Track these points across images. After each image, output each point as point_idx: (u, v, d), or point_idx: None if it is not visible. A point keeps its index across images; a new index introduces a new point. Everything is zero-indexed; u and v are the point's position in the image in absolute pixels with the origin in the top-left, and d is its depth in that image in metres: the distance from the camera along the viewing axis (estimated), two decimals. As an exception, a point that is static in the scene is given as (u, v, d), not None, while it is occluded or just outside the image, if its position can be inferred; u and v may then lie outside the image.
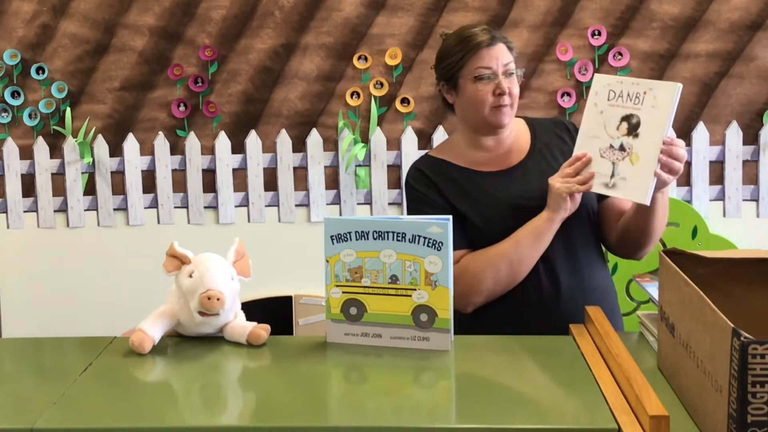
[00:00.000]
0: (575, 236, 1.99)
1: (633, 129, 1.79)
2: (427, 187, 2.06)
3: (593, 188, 1.85)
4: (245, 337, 1.73)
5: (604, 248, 2.11)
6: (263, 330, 1.73)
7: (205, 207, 3.55)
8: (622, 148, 1.80)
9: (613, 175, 1.81)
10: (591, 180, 1.86)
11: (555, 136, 2.10)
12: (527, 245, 1.93)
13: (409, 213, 2.13)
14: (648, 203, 1.79)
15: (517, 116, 2.10)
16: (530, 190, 1.99)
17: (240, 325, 1.75)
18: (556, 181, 1.90)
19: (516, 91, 2.00)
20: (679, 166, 1.81)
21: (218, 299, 1.68)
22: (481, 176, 2.04)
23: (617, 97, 1.81)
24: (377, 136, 3.49)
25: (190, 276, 1.71)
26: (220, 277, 1.71)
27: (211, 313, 1.70)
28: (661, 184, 1.82)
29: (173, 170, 3.55)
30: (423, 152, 3.47)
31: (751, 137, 3.44)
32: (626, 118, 1.80)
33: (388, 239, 1.67)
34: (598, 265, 2.07)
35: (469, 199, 2.02)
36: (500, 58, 1.98)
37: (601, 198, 2.03)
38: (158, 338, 1.71)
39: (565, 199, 1.88)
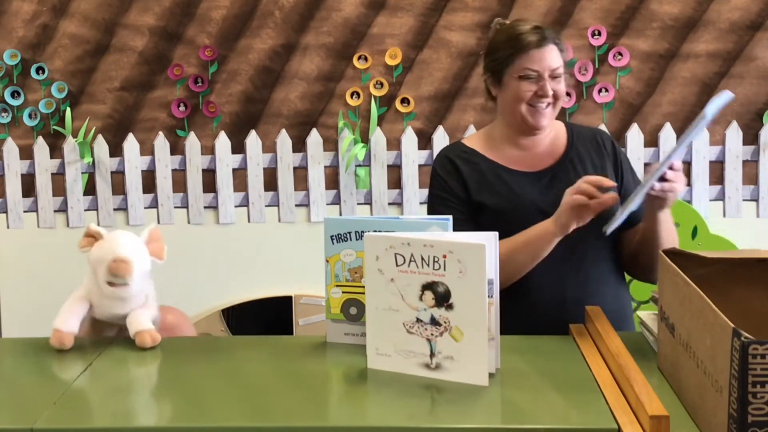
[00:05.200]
0: (587, 252, 1.96)
1: (442, 299, 1.50)
2: (450, 174, 2.05)
3: (410, 371, 1.56)
4: (133, 333, 1.75)
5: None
6: (149, 336, 1.73)
7: (205, 207, 3.55)
8: (435, 322, 1.52)
9: (433, 354, 1.53)
10: (605, 200, 1.80)
11: (591, 148, 2.06)
12: (522, 254, 1.90)
13: (429, 199, 2.12)
14: (486, 384, 1.50)
15: (558, 119, 2.08)
16: (551, 198, 1.93)
17: (135, 320, 1.76)
18: (567, 193, 1.84)
19: (561, 92, 1.99)
20: (678, 189, 1.80)
21: (126, 263, 1.71)
22: (508, 173, 2.03)
23: (408, 261, 1.52)
24: (377, 136, 3.49)
25: (99, 249, 1.75)
26: (130, 246, 1.75)
27: (120, 282, 1.72)
28: (659, 204, 1.82)
29: (173, 170, 3.55)
30: (423, 152, 3.51)
31: (751, 137, 3.44)
32: (429, 286, 1.51)
33: (388, 239, 1.67)
34: (610, 284, 2.02)
35: (490, 191, 2.00)
36: (548, 60, 1.96)
37: (625, 225, 1.93)
38: (77, 328, 1.75)
39: (567, 212, 1.82)
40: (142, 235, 1.81)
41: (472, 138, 2.15)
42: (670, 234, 1.94)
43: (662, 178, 1.77)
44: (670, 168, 1.77)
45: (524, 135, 2.04)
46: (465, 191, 2.02)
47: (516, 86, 1.98)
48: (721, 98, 1.69)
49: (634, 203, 1.76)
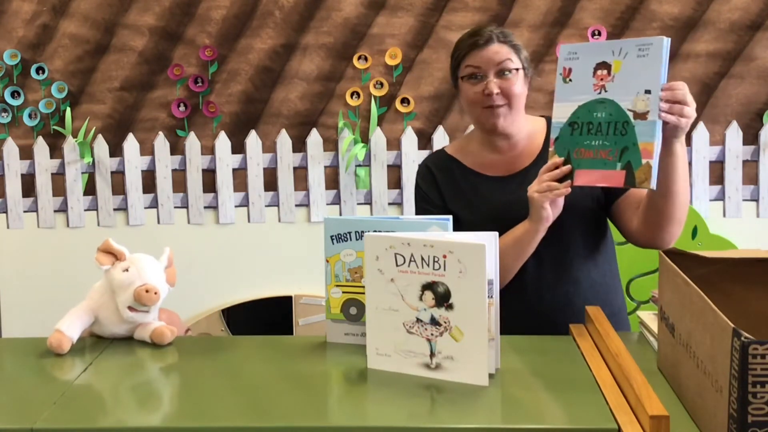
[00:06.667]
0: (565, 236, 1.95)
1: (442, 299, 1.50)
2: (429, 184, 2.07)
3: (410, 371, 1.56)
4: (149, 334, 1.77)
5: (604, 246, 2.09)
6: (168, 330, 1.77)
7: (205, 207, 3.55)
8: (434, 322, 1.52)
9: (433, 354, 1.53)
10: (568, 186, 1.78)
11: None
12: (509, 255, 1.89)
13: (415, 209, 2.13)
14: (486, 384, 1.50)
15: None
16: (523, 199, 1.90)
17: (147, 324, 1.79)
18: (533, 191, 1.83)
19: (515, 90, 1.95)
20: (685, 110, 1.65)
21: (155, 293, 1.74)
22: (482, 180, 2.03)
23: (408, 261, 1.52)
24: (377, 136, 3.49)
25: (125, 271, 1.75)
26: (156, 275, 1.78)
27: (143, 309, 1.75)
28: (670, 130, 1.68)
29: (173, 170, 3.55)
30: (423, 152, 3.51)
31: (751, 137, 3.44)
32: (429, 286, 1.51)
33: (388, 239, 1.67)
34: (593, 265, 2.02)
35: (463, 201, 2.01)
36: (493, 58, 1.94)
37: (616, 196, 1.96)
38: (76, 337, 1.75)
39: (544, 208, 1.82)
40: (162, 257, 1.82)
41: (454, 144, 2.15)
42: (684, 166, 1.80)
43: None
44: (668, 90, 1.67)
45: (493, 136, 2.02)
46: (441, 199, 2.03)
47: (465, 89, 1.99)
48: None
49: (656, 146, 1.67)
